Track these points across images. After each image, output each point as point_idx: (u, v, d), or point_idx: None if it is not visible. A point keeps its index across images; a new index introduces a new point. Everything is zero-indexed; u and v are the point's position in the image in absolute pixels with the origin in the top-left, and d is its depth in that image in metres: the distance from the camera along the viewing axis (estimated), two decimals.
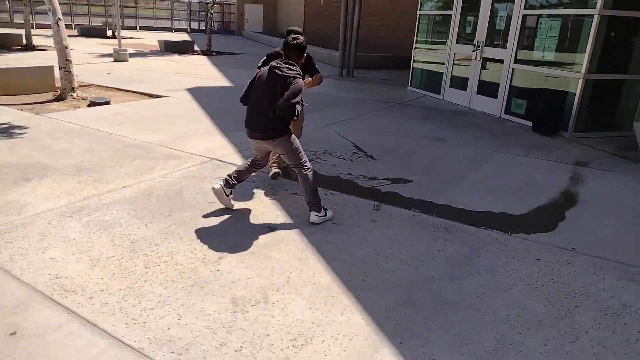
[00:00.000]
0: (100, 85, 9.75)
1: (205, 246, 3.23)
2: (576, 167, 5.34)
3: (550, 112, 6.68)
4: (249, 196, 4.17)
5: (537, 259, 3.18)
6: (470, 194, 4.41)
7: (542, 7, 7.12)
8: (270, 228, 3.56)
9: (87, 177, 4.42)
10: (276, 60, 3.63)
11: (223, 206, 3.89)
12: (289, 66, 3.52)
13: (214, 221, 3.64)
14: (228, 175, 3.91)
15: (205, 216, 3.71)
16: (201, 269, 2.93)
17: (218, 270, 2.93)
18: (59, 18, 8.08)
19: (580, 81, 6.42)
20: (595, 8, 6.14)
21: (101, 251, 3.10)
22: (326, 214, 3.71)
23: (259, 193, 4.26)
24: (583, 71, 6.36)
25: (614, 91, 6.78)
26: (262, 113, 3.55)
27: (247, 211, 3.84)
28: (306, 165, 3.70)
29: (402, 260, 3.14)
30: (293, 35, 3.68)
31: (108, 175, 4.51)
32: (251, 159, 4.00)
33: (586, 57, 6.30)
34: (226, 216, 3.73)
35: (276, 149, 3.70)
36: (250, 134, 3.72)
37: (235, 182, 3.90)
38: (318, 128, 6.72)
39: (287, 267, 3.01)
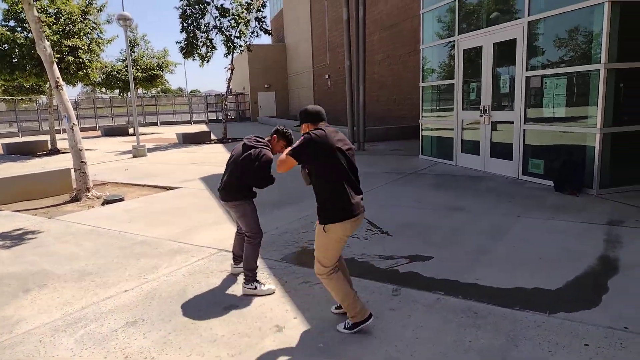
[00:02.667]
0: (117, 183, 9.88)
1: (206, 356, 2.90)
2: (610, 227, 4.92)
3: (572, 169, 6.36)
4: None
5: (586, 345, 2.74)
6: (497, 269, 4.02)
7: (544, 67, 7.06)
8: (278, 328, 3.22)
9: (89, 283, 4.22)
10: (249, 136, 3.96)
11: (226, 305, 3.60)
12: (258, 139, 3.87)
13: (217, 324, 3.32)
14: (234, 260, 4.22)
15: (207, 319, 3.41)
16: None
17: None
18: (73, 124, 8.39)
19: (598, 135, 6.16)
20: (599, 63, 6.04)
21: None
22: (256, 287, 3.77)
23: (268, 283, 3.96)
24: (599, 125, 6.13)
25: (635, 142, 6.47)
26: (227, 177, 3.91)
27: (255, 307, 3.53)
28: (256, 236, 3.85)
29: (428, 358, 2.74)
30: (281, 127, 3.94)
31: (111, 278, 4.31)
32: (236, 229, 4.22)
33: (600, 110, 6.09)
34: (230, 317, 3.42)
35: (231, 210, 3.92)
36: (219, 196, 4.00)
37: (235, 258, 4.21)
38: None
39: None
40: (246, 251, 3.86)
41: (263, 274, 4.22)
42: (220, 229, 5.75)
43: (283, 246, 4.96)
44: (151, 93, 36.47)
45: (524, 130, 7.43)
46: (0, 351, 3.08)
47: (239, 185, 3.85)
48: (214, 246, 5.08)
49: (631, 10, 6.09)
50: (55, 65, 8.40)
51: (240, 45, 19.27)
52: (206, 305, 3.63)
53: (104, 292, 3.99)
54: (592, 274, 3.78)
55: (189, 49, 19.09)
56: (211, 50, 19.44)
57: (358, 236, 5.13)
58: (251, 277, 3.83)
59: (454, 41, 9.09)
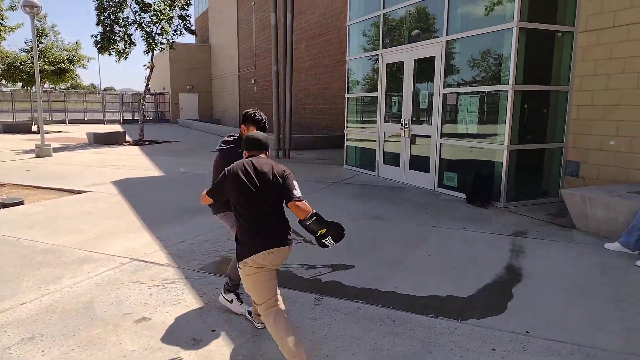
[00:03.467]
0: (16, 184, 8.98)
1: None
2: (514, 237, 5.32)
3: (481, 183, 6.81)
4: (172, 300, 3.67)
5: (493, 349, 2.91)
6: (414, 276, 4.17)
7: (459, 85, 7.53)
8: (195, 341, 3.07)
9: None
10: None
11: (138, 318, 3.38)
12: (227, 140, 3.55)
13: (127, 338, 3.10)
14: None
15: (117, 333, 3.17)
16: None
17: None
18: None
19: (505, 152, 6.66)
20: (508, 84, 6.55)
21: None
22: (232, 301, 3.48)
23: (184, 296, 3.77)
24: (506, 142, 6.63)
25: (536, 159, 7.09)
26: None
27: (170, 321, 3.34)
28: None
29: None
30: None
31: (6, 290, 3.87)
32: None
33: (507, 128, 6.59)
34: (143, 330, 3.20)
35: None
36: None
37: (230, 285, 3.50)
38: None
39: None
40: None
41: (179, 284, 4.02)
42: (134, 237, 5.41)
43: (202, 255, 4.77)
44: (60, 88, 33.86)
45: (440, 144, 7.85)
46: None
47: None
48: (125, 255, 4.76)
49: (537, 36, 6.69)
50: None
51: (162, 43, 18.52)
52: (115, 319, 3.38)
53: None
54: (499, 282, 4.05)
55: (104, 44, 17.98)
56: (129, 47, 18.46)
57: None
58: (231, 288, 3.48)
59: (378, 55, 9.40)
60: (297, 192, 2.75)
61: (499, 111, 6.86)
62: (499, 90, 6.79)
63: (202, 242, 5.20)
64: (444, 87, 7.72)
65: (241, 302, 3.49)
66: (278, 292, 2.76)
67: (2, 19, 16.50)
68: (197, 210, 6.60)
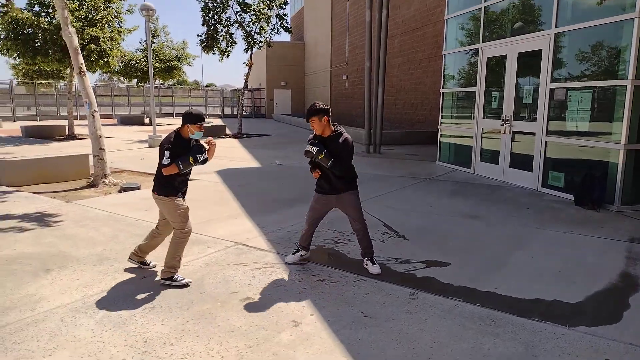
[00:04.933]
0: (133, 171, 9.98)
1: (224, 346, 2.92)
2: (631, 244, 4.86)
3: (593, 184, 6.29)
4: (275, 284, 3.89)
5: (607, 359, 2.71)
6: (515, 279, 3.99)
7: (569, 79, 7.00)
8: (295, 323, 3.23)
9: (108, 267, 4.27)
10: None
11: (243, 297, 3.62)
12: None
13: (234, 315, 3.34)
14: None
15: (225, 309, 3.43)
16: None
17: None
18: (94, 110, 8.48)
19: (622, 152, 6.09)
20: (626, 79, 5.97)
21: (112, 353, 2.83)
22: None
23: (283, 280, 3.98)
24: (623, 141, 6.06)
25: None
26: None
27: (271, 303, 3.54)
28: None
29: None
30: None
31: (128, 264, 4.35)
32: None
33: (625, 127, 6.02)
34: (247, 309, 3.44)
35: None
36: None
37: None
38: None
39: None
40: (367, 236, 4.29)
41: (279, 269, 4.24)
42: (236, 223, 5.78)
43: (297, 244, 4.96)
44: (167, 84, 36.78)
45: (546, 142, 7.36)
46: (24, 327, 3.13)
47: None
48: (230, 239, 5.11)
49: None
50: (79, 52, 8.50)
51: (260, 41, 19.36)
52: (223, 296, 3.65)
53: (122, 277, 4.04)
54: (612, 289, 3.74)
55: (209, 43, 19.21)
56: (231, 45, 19.55)
57: (375, 238, 5.13)
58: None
59: (478, 49, 9.04)
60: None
61: (614, 108, 6.28)
62: (615, 86, 6.21)
63: (298, 231, 5.39)
64: (551, 82, 7.23)
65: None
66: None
67: (122, 22, 18.26)
68: (292, 200, 6.88)
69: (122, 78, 28.16)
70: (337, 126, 4.14)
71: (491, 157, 8.85)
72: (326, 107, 4.07)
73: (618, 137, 6.17)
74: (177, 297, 3.64)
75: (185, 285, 3.85)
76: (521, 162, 7.99)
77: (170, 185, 3.92)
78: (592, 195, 6.25)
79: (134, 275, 4.08)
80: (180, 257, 3.97)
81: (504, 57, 8.35)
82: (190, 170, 4.07)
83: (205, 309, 3.45)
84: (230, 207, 6.65)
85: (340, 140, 4.04)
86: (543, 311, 3.36)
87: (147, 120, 27.60)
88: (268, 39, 19.53)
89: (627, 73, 5.96)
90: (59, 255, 4.56)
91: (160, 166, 3.84)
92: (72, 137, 17.51)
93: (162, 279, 3.91)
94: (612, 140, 6.28)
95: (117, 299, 3.59)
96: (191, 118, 3.88)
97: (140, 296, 3.65)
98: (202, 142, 4.09)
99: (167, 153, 3.79)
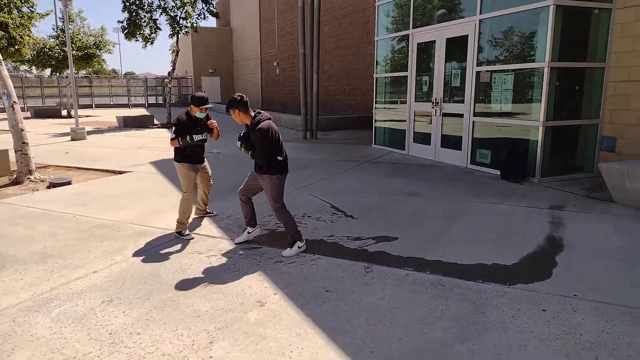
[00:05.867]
0: (59, 166, 9.39)
1: (193, 330, 2.95)
2: (552, 211, 5.43)
3: (516, 159, 6.89)
4: (233, 269, 3.93)
5: (543, 310, 3.08)
6: (457, 247, 4.34)
7: (493, 62, 7.55)
8: (260, 303, 3.32)
9: (53, 265, 4.08)
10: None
11: (203, 283, 3.65)
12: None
13: (198, 301, 3.36)
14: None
15: (187, 296, 3.44)
16: (192, 358, 2.65)
17: (211, 357, 2.65)
18: (14, 101, 7.88)
19: (541, 128, 6.71)
20: (544, 61, 6.56)
21: (77, 348, 2.76)
22: (298, 247, 4.27)
23: (241, 264, 4.03)
24: (541, 119, 6.68)
25: (571, 135, 7.12)
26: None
27: (233, 286, 3.60)
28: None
29: (407, 325, 2.96)
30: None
31: (76, 260, 4.18)
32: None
33: (543, 105, 6.63)
34: (210, 294, 3.47)
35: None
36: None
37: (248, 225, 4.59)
38: (291, 191, 6.61)
39: (286, 345, 2.77)
40: (284, 221, 4.33)
41: (235, 254, 4.28)
42: None
43: None
44: (82, 74, 34.43)
45: (473, 122, 7.91)
46: None
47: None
48: None
49: (573, 13, 6.66)
50: None
51: (187, 27, 18.73)
52: (183, 284, 3.65)
53: (72, 274, 3.89)
54: (541, 251, 4.19)
55: (131, 29, 18.29)
56: (155, 32, 18.75)
57: (324, 219, 5.30)
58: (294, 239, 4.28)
59: (408, 34, 9.43)
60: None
61: (533, 88, 6.88)
62: (534, 68, 6.81)
63: None
64: (477, 66, 7.75)
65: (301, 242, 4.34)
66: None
67: (32, 7, 16.89)
68: (234, 187, 6.86)
69: (34, 67, 26.00)
70: (257, 115, 4.19)
71: (423, 138, 9.34)
72: (236, 99, 4.19)
73: (537, 116, 6.78)
74: (135, 289, 3.58)
75: (190, 239, 4.68)
76: (451, 142, 8.52)
77: (181, 153, 4.86)
78: (516, 170, 6.85)
79: (85, 271, 3.94)
80: (188, 215, 4.77)
81: (433, 42, 8.79)
82: (202, 142, 4.98)
83: (166, 297, 3.44)
84: (173, 197, 6.49)
85: (256, 129, 4.11)
86: (485, 274, 3.70)
87: (64, 113, 25.76)
88: (195, 24, 18.94)
89: (545, 56, 6.54)
90: None
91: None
92: None
93: (175, 232, 4.79)
94: (532, 119, 6.90)
95: (71, 296, 3.47)
96: (194, 101, 4.76)
97: (95, 291, 3.55)
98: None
99: (173, 129, 4.79)
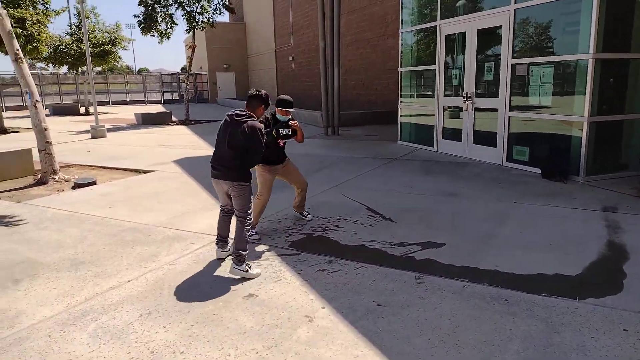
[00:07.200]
0: (82, 165, 9.28)
1: (240, 350, 2.73)
2: (606, 213, 5.09)
3: (559, 157, 6.55)
4: (273, 277, 3.71)
5: (625, 330, 2.79)
6: (511, 254, 4.05)
7: (530, 54, 7.19)
8: (309, 318, 3.09)
9: (86, 272, 3.90)
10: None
11: (245, 294, 3.42)
12: (239, 112, 3.97)
13: (242, 314, 3.15)
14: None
15: (229, 309, 3.22)
16: None
17: None
18: (36, 100, 7.74)
19: (585, 124, 6.35)
20: (588, 53, 6.20)
21: None
22: (247, 270, 3.72)
23: (282, 273, 3.80)
24: (586, 114, 6.32)
25: (616, 131, 6.75)
26: (229, 155, 3.91)
27: (277, 298, 3.37)
28: (250, 217, 3.92)
29: (474, 346, 2.70)
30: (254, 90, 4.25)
31: (109, 267, 4.00)
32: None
33: (587, 100, 6.27)
34: (254, 307, 3.25)
35: (231, 190, 3.90)
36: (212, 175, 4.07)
37: (221, 240, 4.15)
38: (322, 192, 6.38)
39: None
40: (237, 230, 3.84)
41: (275, 261, 4.06)
42: (213, 215, 5.46)
43: (286, 232, 4.80)
44: (97, 71, 34.49)
45: (509, 117, 7.56)
46: (6, 348, 2.77)
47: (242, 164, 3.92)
48: (211, 232, 4.81)
49: (618, 2, 6.27)
50: (14, 37, 7.68)
51: (203, 22, 18.53)
52: (223, 295, 3.44)
53: (105, 283, 3.70)
54: (604, 259, 3.89)
55: (147, 24, 18.15)
56: (171, 27, 18.59)
57: (362, 222, 5.05)
58: (242, 259, 3.75)
59: (436, 26, 9.08)
60: None
61: (576, 81, 6.52)
62: (577, 60, 6.44)
63: (282, 220, 5.23)
64: (512, 58, 7.40)
65: (250, 266, 3.83)
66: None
67: (47, 3, 16.80)
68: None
69: (51, 65, 26.06)
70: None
71: (453, 134, 9.01)
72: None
73: (580, 111, 6.42)
74: (174, 300, 3.38)
75: (257, 239, 4.59)
76: (485, 138, 8.18)
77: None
78: (560, 168, 6.50)
79: (119, 280, 3.75)
80: (256, 213, 4.63)
81: (463, 34, 8.44)
82: (286, 138, 4.78)
83: (208, 310, 3.22)
84: (201, 198, 6.32)
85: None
86: (549, 286, 3.42)
87: (82, 110, 25.84)
88: (211, 20, 18.72)
89: (589, 47, 6.18)
90: (26, 263, 4.12)
91: None
92: (1, 130, 16.04)
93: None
94: (576, 113, 6.54)
95: (107, 308, 3.28)
96: (280, 103, 4.69)
97: (131, 302, 3.35)
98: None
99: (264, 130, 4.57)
